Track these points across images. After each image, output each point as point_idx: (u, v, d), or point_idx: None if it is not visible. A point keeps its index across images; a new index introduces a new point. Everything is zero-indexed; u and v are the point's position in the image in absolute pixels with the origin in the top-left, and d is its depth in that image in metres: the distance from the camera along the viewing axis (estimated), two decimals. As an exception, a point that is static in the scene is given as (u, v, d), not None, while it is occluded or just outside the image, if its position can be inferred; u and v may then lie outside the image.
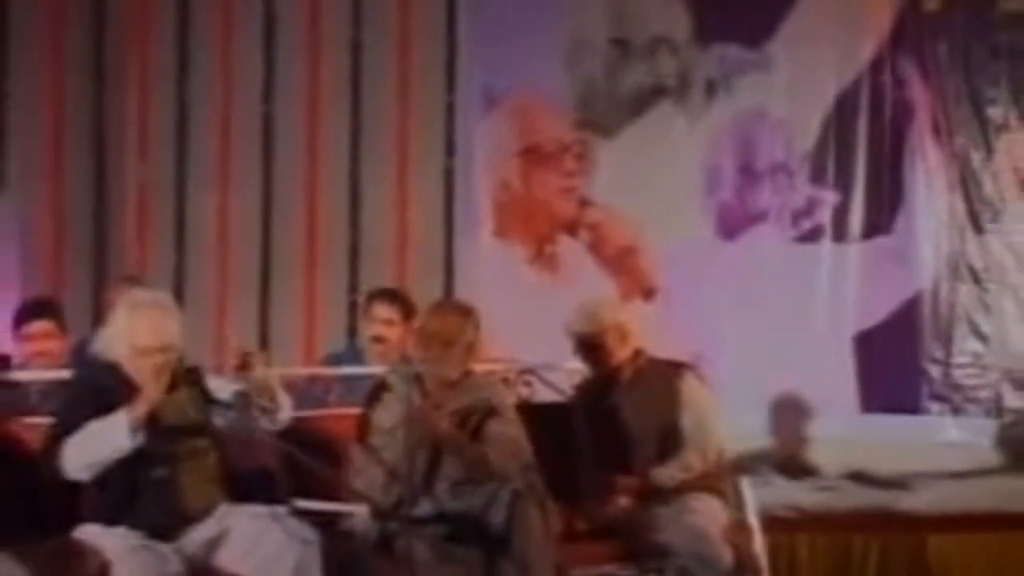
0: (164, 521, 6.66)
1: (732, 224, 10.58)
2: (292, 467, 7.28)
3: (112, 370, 6.75)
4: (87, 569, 6.48)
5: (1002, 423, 9.99)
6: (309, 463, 7.38)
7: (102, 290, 9.79)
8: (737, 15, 10.44)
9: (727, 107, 10.56)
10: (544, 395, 8.52)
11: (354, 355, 9.01)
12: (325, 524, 6.95)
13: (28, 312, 8.70)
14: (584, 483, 7.61)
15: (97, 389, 6.75)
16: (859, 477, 9.42)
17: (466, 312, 7.56)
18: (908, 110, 10.26)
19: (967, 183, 10.18)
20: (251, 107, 11.07)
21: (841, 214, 10.33)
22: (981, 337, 10.17)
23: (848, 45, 10.33)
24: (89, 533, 6.64)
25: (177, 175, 11.12)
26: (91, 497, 6.69)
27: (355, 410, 7.63)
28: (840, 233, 10.33)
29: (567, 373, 8.31)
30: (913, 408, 10.16)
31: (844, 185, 10.31)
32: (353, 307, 10.47)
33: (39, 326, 8.54)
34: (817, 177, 10.38)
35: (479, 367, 7.57)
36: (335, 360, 8.95)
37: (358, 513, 7.07)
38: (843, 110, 10.31)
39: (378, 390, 7.42)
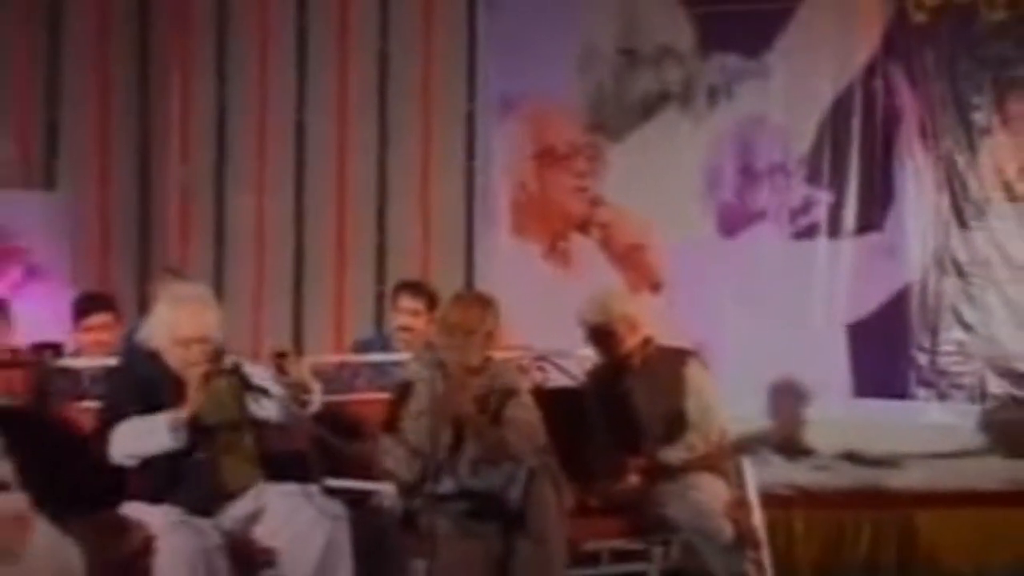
0: (203, 499, 6.68)
1: (733, 222, 10.58)
2: (323, 448, 7.30)
3: (154, 359, 6.76)
4: (133, 542, 6.49)
5: (985, 408, 9.98)
6: (339, 444, 7.40)
7: (146, 284, 9.78)
8: (738, 27, 10.44)
9: (728, 112, 10.56)
10: (558, 380, 8.50)
11: (381, 342, 9.01)
12: (354, 501, 6.95)
13: (89, 306, 8.72)
14: (595, 463, 7.60)
15: (140, 377, 6.77)
16: (852, 457, 9.41)
17: (485, 303, 7.57)
18: (898, 115, 10.24)
19: (953, 183, 10.17)
20: (285, 114, 11.08)
21: (835, 212, 10.32)
22: (965, 327, 10.16)
23: (841, 54, 10.33)
24: (135, 509, 6.66)
25: (216, 177, 11.13)
26: (136, 477, 6.70)
27: (382, 395, 7.63)
28: (834, 230, 10.33)
29: (579, 360, 8.29)
30: (902, 393, 10.16)
31: (838, 185, 10.30)
32: (380, 299, 10.47)
33: (100, 318, 8.56)
34: (813, 178, 10.37)
35: (498, 354, 7.56)
36: (363, 347, 8.95)
37: (385, 491, 7.08)
38: (837, 115, 10.31)
39: (409, 385, 7.41)
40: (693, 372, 7.85)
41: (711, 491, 7.56)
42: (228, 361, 6.82)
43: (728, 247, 10.55)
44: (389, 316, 9.06)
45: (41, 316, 9.30)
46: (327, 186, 11.07)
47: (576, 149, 10.82)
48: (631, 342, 7.85)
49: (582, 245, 10.77)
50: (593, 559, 7.53)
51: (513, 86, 10.90)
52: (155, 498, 6.63)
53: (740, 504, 7.67)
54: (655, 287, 10.39)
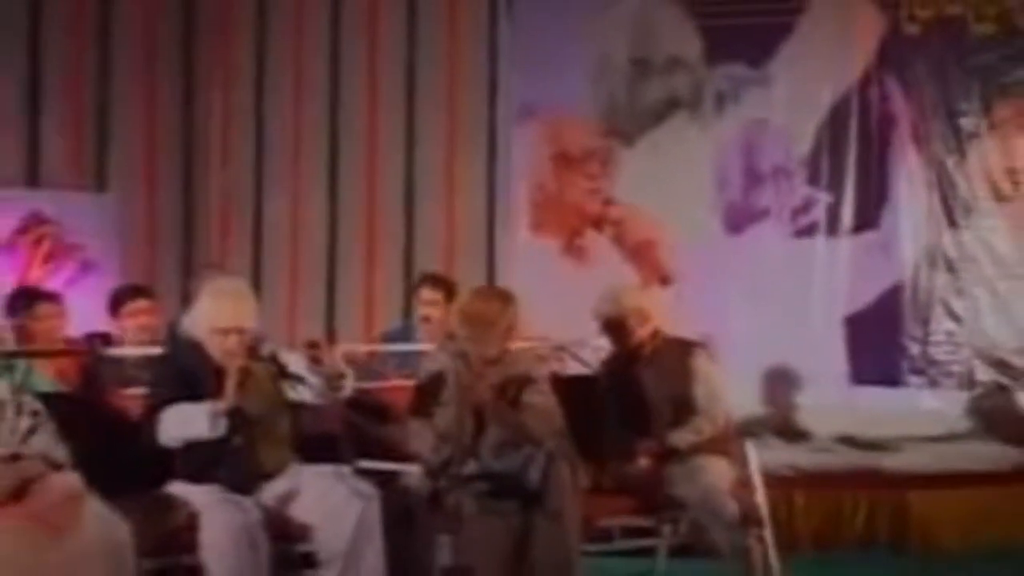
0: (242, 479, 6.66)
1: (738, 220, 10.58)
2: (355, 432, 7.29)
3: (196, 348, 6.76)
4: (178, 519, 6.49)
5: (973, 394, 10.00)
6: (370, 428, 7.40)
7: (189, 278, 9.78)
8: (742, 38, 10.45)
9: (734, 118, 10.56)
10: (574, 369, 8.50)
11: (407, 332, 9.01)
12: (384, 481, 6.94)
13: (129, 292, 8.72)
14: (608, 445, 7.58)
15: (183, 365, 6.76)
16: (848, 440, 9.39)
17: (505, 297, 7.56)
18: (892, 120, 10.26)
19: (943, 184, 10.19)
20: (318, 121, 11.09)
21: (834, 211, 10.34)
22: (955, 319, 10.17)
23: (839, 64, 10.34)
24: (179, 488, 6.65)
25: (254, 180, 11.15)
26: (180, 458, 6.70)
27: (409, 382, 7.62)
28: (833, 228, 10.34)
29: (594, 350, 8.29)
30: (896, 381, 10.17)
31: (836, 186, 10.31)
32: (407, 292, 10.45)
33: (141, 303, 8.56)
34: (813, 179, 10.39)
35: (517, 345, 7.55)
36: (390, 337, 8.93)
37: (413, 472, 7.07)
38: (835, 120, 10.32)
39: (438, 374, 7.39)
40: (700, 361, 7.83)
41: (717, 472, 7.53)
42: (266, 350, 6.84)
43: (733, 244, 10.56)
44: (413, 307, 9.05)
45: (93, 308, 9.29)
46: (358, 188, 11.07)
47: (591, 153, 10.82)
48: (642, 333, 7.84)
49: (596, 242, 10.76)
50: (606, 535, 7.54)
51: (532, 94, 10.89)
52: (198, 477, 6.63)
53: (744, 484, 7.65)
54: (664, 281, 10.38)
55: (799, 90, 10.37)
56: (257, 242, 11.12)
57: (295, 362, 6.80)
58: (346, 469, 6.95)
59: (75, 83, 10.56)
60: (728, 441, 7.80)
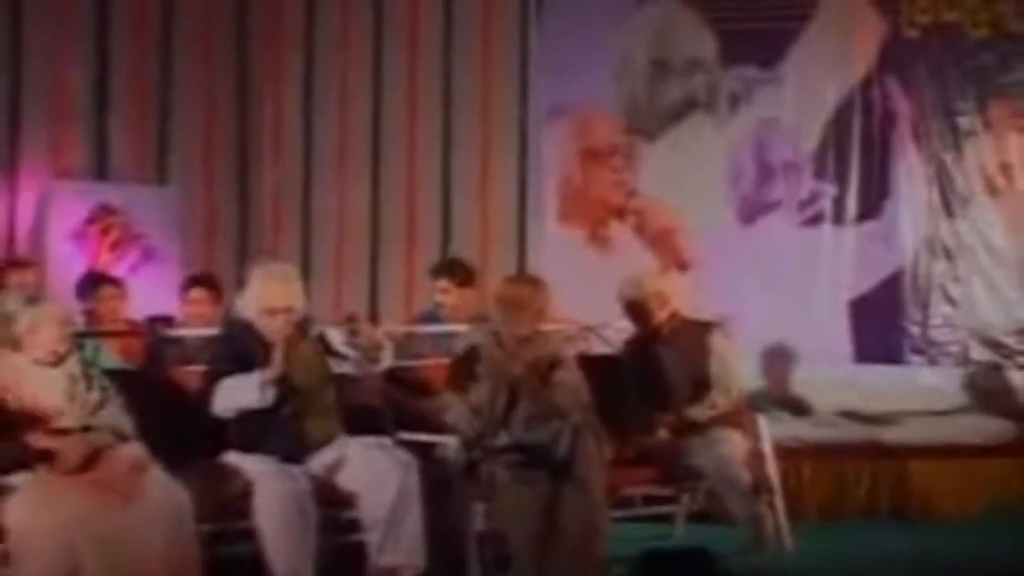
0: (290, 449, 6.67)
1: (750, 211, 10.57)
2: (396, 406, 7.29)
3: (248, 328, 6.77)
4: (234, 487, 6.50)
5: (968, 372, 9.98)
6: (409, 402, 7.39)
7: (244, 265, 9.76)
8: (755, 42, 10.43)
9: (747, 116, 10.55)
10: (599, 348, 8.48)
11: (436, 314, 8.98)
12: (422, 452, 6.94)
13: (189, 282, 8.75)
14: (631, 419, 7.57)
15: (237, 344, 6.77)
16: (852, 415, 9.35)
17: (535, 283, 7.56)
18: (893, 119, 10.24)
19: (941, 178, 10.18)
20: (362, 122, 11.08)
21: (839, 203, 10.32)
22: (952, 303, 10.15)
23: (844, 66, 10.32)
24: (234, 458, 6.66)
25: (303, 175, 11.15)
26: (235, 430, 6.70)
27: (445, 359, 7.62)
28: (838, 219, 10.33)
29: (617, 331, 8.27)
30: (896, 359, 10.16)
31: (841, 180, 10.30)
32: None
33: (195, 293, 8.57)
34: (819, 173, 10.37)
35: (547, 326, 7.53)
36: (425, 317, 8.89)
37: (449, 443, 7.06)
38: (840, 118, 10.30)
39: (471, 352, 7.38)
40: (715, 341, 7.83)
41: (731, 444, 7.53)
42: (313, 330, 6.85)
43: (746, 233, 10.54)
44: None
45: (155, 293, 9.31)
46: (398, 183, 11.07)
47: (614, 148, 10.81)
48: (662, 315, 7.84)
49: (620, 231, 10.75)
50: (629, 503, 7.53)
51: (560, 95, 10.88)
52: (251, 448, 6.64)
53: (756, 455, 7.65)
54: (683, 267, 10.35)
55: (807, 90, 10.35)
56: (306, 232, 11.12)
57: (339, 339, 6.81)
58: (388, 441, 6.97)
59: (140, 86, 10.57)
60: (741, 415, 7.81)
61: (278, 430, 6.67)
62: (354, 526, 6.66)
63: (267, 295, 6.75)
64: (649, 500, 7.65)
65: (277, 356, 6.55)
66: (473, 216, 11.00)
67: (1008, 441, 9.25)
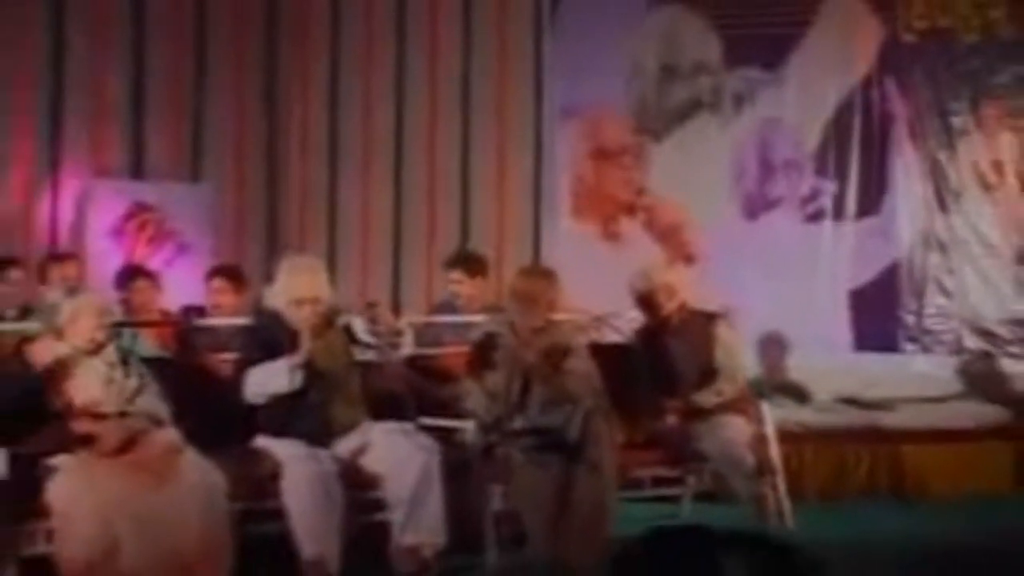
0: (318, 434, 6.68)
1: (754, 207, 10.55)
2: (417, 392, 7.29)
3: (277, 318, 6.77)
4: (264, 469, 6.51)
5: (961, 360, 9.96)
6: (430, 389, 7.39)
7: (273, 259, 9.77)
8: (758, 46, 10.41)
9: (750, 117, 10.52)
10: (610, 337, 8.47)
11: (452, 304, 8.97)
12: (443, 436, 6.95)
13: (211, 272, 8.74)
14: (640, 405, 7.56)
15: (266, 333, 6.78)
16: (851, 401, 9.34)
17: (548, 275, 7.58)
18: (890, 119, 10.23)
19: (936, 175, 10.16)
20: (385, 122, 11.08)
21: (839, 199, 10.30)
22: (946, 294, 10.14)
23: (844, 68, 10.30)
24: (264, 442, 6.67)
25: (329, 174, 11.14)
26: (264, 415, 6.71)
27: (463, 348, 7.62)
28: (838, 214, 10.31)
29: (627, 321, 8.25)
30: (893, 348, 10.15)
31: (841, 177, 10.28)
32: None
33: (217, 283, 8.56)
34: (820, 170, 10.35)
35: (560, 316, 7.53)
36: (441, 307, 8.87)
37: (468, 427, 7.06)
38: (840, 118, 10.28)
39: (488, 340, 7.38)
40: (721, 331, 7.81)
41: (736, 428, 7.52)
42: (339, 320, 6.85)
43: (750, 228, 10.52)
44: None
45: (189, 285, 9.32)
46: (420, 180, 11.06)
47: (624, 148, 10.79)
48: (670, 306, 7.82)
49: (630, 227, 10.73)
50: (638, 484, 7.51)
51: (572, 97, 10.86)
52: (280, 432, 6.65)
53: (760, 439, 7.63)
54: (690, 260, 10.33)
55: (808, 91, 10.33)
56: (331, 227, 11.11)
57: (361, 328, 6.81)
58: (410, 426, 6.97)
59: (175, 90, 10.59)
60: (746, 401, 7.79)
61: (305, 415, 6.68)
62: (378, 506, 6.67)
63: (295, 287, 6.76)
64: (657, 481, 7.64)
65: (304, 343, 6.57)
66: (490, 212, 11.00)
67: (999, 425, 9.24)
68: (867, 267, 10.24)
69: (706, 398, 7.61)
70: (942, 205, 10.14)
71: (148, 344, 7.97)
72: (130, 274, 8.74)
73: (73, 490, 5.94)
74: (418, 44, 11.02)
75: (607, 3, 10.72)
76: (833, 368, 9.67)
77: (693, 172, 10.54)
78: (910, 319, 10.14)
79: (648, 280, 7.89)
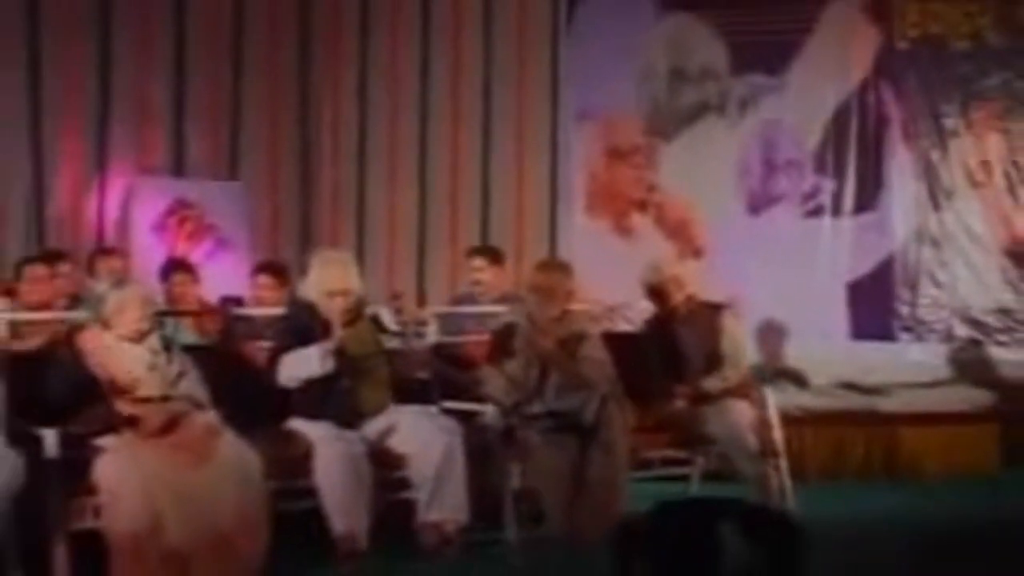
0: (348, 417, 6.68)
1: (757, 203, 10.53)
2: (441, 378, 7.28)
3: (310, 309, 6.77)
4: (298, 449, 6.50)
5: (952, 347, 9.95)
6: (453, 375, 7.38)
7: (306, 253, 9.76)
8: (762, 52, 10.39)
9: (754, 118, 10.51)
10: (622, 327, 8.46)
11: (471, 295, 8.95)
12: (465, 419, 6.94)
13: (257, 269, 8.74)
14: (651, 390, 7.54)
15: (300, 322, 6.78)
16: (849, 386, 9.33)
17: (564, 268, 7.60)
18: (886, 121, 10.23)
19: (928, 174, 10.18)
20: (411, 125, 11.06)
21: (837, 196, 10.30)
22: (938, 285, 10.13)
23: (842, 74, 10.30)
24: (297, 424, 6.67)
25: (359, 173, 11.12)
26: (297, 399, 6.71)
27: (483, 336, 7.61)
28: (836, 210, 10.31)
29: (639, 311, 8.23)
30: (888, 336, 10.14)
31: (839, 175, 10.28)
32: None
33: (263, 279, 8.55)
34: (820, 169, 10.34)
35: (575, 307, 7.51)
36: (462, 298, 8.84)
37: (489, 411, 7.04)
38: (839, 120, 10.28)
39: (507, 329, 7.37)
40: (727, 321, 7.79)
41: (740, 412, 7.50)
42: (368, 310, 6.85)
43: (754, 223, 10.51)
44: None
45: (227, 277, 9.33)
46: (443, 179, 11.05)
47: (636, 148, 10.78)
48: (679, 297, 7.79)
49: (641, 222, 10.72)
50: (648, 464, 7.49)
51: (587, 101, 10.85)
52: (312, 415, 6.65)
53: (763, 422, 7.61)
54: (697, 254, 10.31)
55: (808, 95, 10.31)
56: (361, 223, 11.10)
57: (389, 318, 6.82)
58: (434, 409, 6.98)
59: (214, 94, 10.58)
60: (749, 387, 7.77)
61: (336, 399, 6.68)
62: (404, 484, 6.67)
63: (327, 279, 6.76)
64: (667, 462, 7.61)
65: (335, 331, 6.57)
66: (509, 209, 10.99)
67: (987, 409, 9.26)
68: (864, 260, 10.23)
69: (712, 384, 7.59)
70: (934, 202, 10.13)
71: (188, 333, 7.98)
72: (171, 267, 8.75)
73: (119, 468, 5.94)
74: (441, 53, 11.01)
75: (620, 13, 10.70)
76: (832, 355, 9.66)
77: (700, 171, 10.53)
78: (904, 309, 10.13)
79: (658, 273, 7.87)
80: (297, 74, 10.99)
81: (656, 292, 7.85)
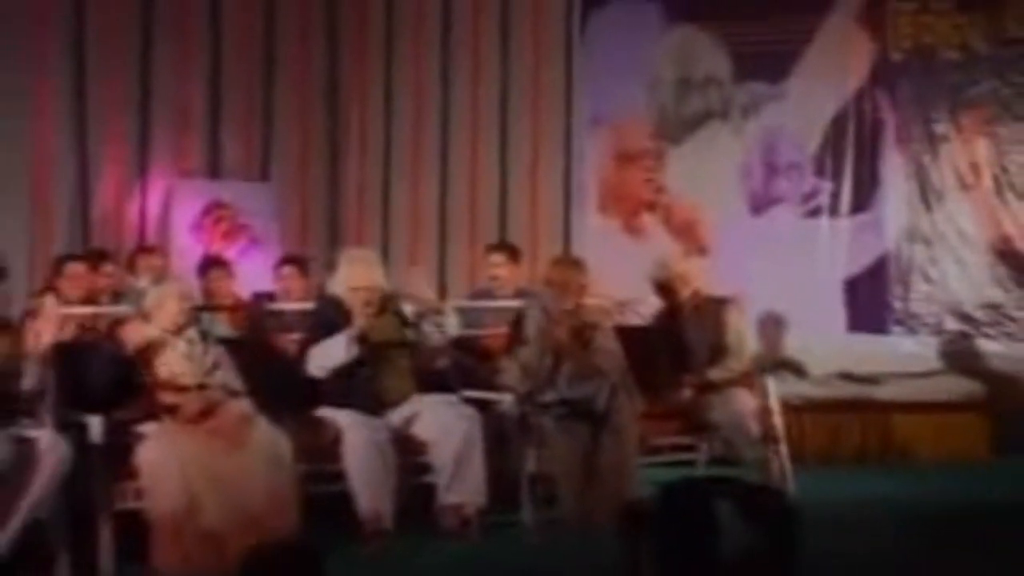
0: (373, 405, 6.69)
1: (760, 204, 10.47)
2: (461, 368, 7.29)
3: (337, 303, 6.79)
4: (327, 435, 6.53)
5: (943, 340, 9.90)
6: (472, 365, 7.39)
7: (334, 250, 9.78)
8: (763, 62, 10.33)
9: (756, 124, 10.43)
10: (632, 320, 8.45)
11: (489, 290, 8.94)
12: (484, 407, 6.95)
13: (280, 261, 8.75)
14: (659, 380, 7.55)
15: (328, 316, 6.80)
16: (846, 376, 9.33)
17: (578, 263, 7.61)
18: (880, 126, 10.16)
19: (920, 176, 10.11)
20: (433, 128, 11.05)
21: (835, 198, 10.22)
22: (929, 282, 10.08)
23: (839, 82, 10.22)
24: (326, 412, 6.68)
25: (384, 173, 11.12)
26: (326, 388, 6.72)
27: (500, 329, 7.62)
28: (834, 211, 10.22)
29: (648, 305, 8.23)
30: (883, 329, 10.07)
31: (837, 177, 10.20)
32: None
33: (286, 270, 8.58)
34: (818, 171, 10.28)
35: (588, 300, 7.51)
36: (479, 293, 8.84)
37: (505, 399, 7.05)
38: (837, 126, 10.20)
39: (521, 321, 7.38)
40: (731, 314, 7.79)
41: (744, 401, 7.50)
42: (392, 304, 6.86)
43: (756, 223, 10.44)
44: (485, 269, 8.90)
45: (259, 273, 9.34)
46: (463, 180, 11.03)
47: (645, 152, 10.74)
48: (685, 292, 7.81)
49: (650, 222, 10.68)
50: (657, 450, 7.49)
51: (599, 107, 10.81)
52: (339, 403, 6.66)
53: (764, 410, 7.62)
54: (703, 252, 10.24)
55: (808, 102, 10.25)
56: (385, 221, 11.10)
57: (411, 313, 6.83)
58: (454, 398, 6.98)
59: (247, 101, 10.60)
60: (752, 376, 7.78)
61: (362, 388, 6.70)
62: (426, 469, 6.69)
63: (353, 275, 6.79)
64: (674, 448, 7.62)
65: (359, 320, 6.59)
66: (525, 209, 10.97)
67: (975, 398, 9.24)
68: (859, 258, 10.18)
69: (717, 374, 7.59)
70: (926, 203, 10.09)
71: (223, 326, 7.99)
72: (207, 264, 8.77)
73: (159, 453, 5.97)
74: (461, 62, 10.99)
75: (629, 25, 10.67)
76: (829, 347, 9.64)
77: (706, 173, 10.48)
78: (897, 304, 10.09)
79: (666, 269, 7.89)
80: (325, 83, 10.99)
81: (664, 287, 7.86)
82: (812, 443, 8.77)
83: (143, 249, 9.13)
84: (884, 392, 9.14)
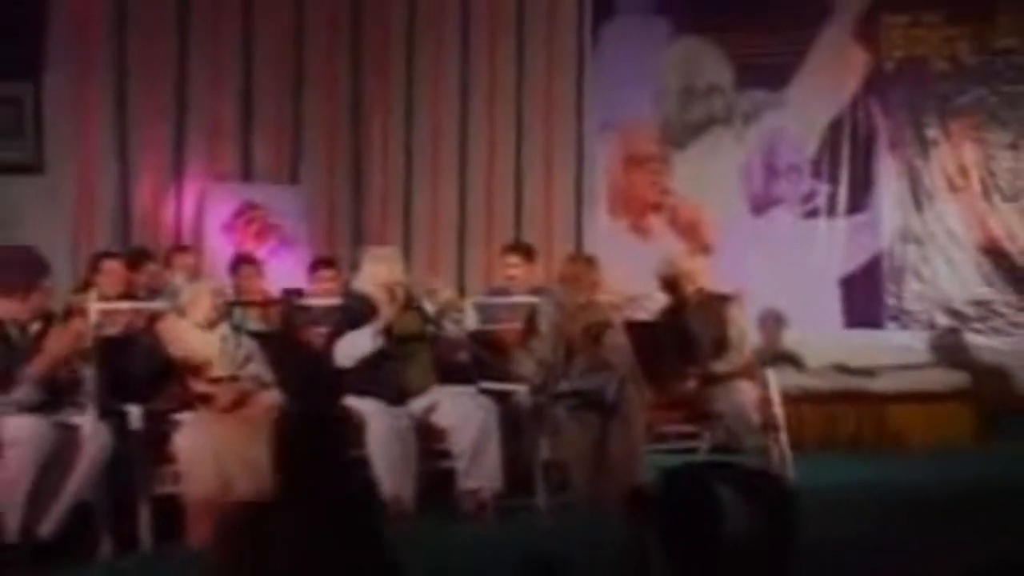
0: (395, 395, 6.70)
1: (760, 205, 10.50)
2: (479, 361, 7.29)
3: (363, 299, 6.80)
4: (352, 422, 6.52)
5: (934, 335, 9.91)
6: (489, 358, 7.39)
7: (358, 249, 9.78)
8: (764, 71, 10.36)
9: (757, 130, 10.47)
10: (640, 316, 8.43)
11: (505, 287, 8.92)
12: (500, 398, 6.95)
13: (320, 263, 8.73)
14: (665, 372, 7.54)
15: (354, 311, 6.81)
16: (842, 368, 9.30)
17: (590, 261, 7.63)
18: (874, 132, 10.19)
19: (912, 179, 10.14)
20: (452, 134, 11.04)
21: (832, 199, 10.25)
22: (921, 279, 10.11)
23: (835, 90, 10.26)
24: (351, 401, 6.69)
25: (405, 177, 11.11)
26: (351, 379, 6.73)
27: (516, 324, 7.62)
28: (831, 212, 10.26)
29: (654, 301, 8.22)
30: (877, 324, 10.10)
31: (834, 180, 10.24)
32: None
33: (323, 272, 8.56)
34: (816, 174, 10.31)
35: (599, 296, 7.50)
36: (495, 291, 8.83)
37: (520, 390, 7.05)
38: (833, 131, 10.25)
39: (535, 317, 7.39)
40: (733, 310, 7.79)
41: (745, 392, 7.49)
42: (413, 301, 6.88)
43: (757, 223, 10.47)
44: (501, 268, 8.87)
45: (289, 271, 9.35)
46: (481, 182, 11.02)
47: (652, 156, 10.75)
48: (690, 289, 7.80)
49: (656, 222, 10.69)
50: (663, 438, 7.49)
51: (609, 114, 10.82)
52: (363, 393, 6.67)
53: (765, 401, 7.60)
54: (706, 251, 10.24)
55: (806, 109, 10.27)
56: (407, 222, 11.09)
57: (431, 308, 6.85)
58: (472, 389, 6.98)
59: (277, 108, 10.60)
60: (753, 369, 7.76)
61: (386, 380, 6.71)
62: (445, 456, 6.70)
63: (377, 273, 6.81)
64: (679, 436, 7.61)
65: (383, 313, 6.60)
66: (539, 210, 10.96)
67: (964, 389, 9.20)
68: (855, 257, 10.20)
69: (720, 366, 7.58)
70: (917, 205, 10.10)
71: (254, 321, 8.00)
72: (239, 263, 8.78)
73: (194, 440, 5.99)
74: (479, 72, 10.98)
75: (638, 37, 10.68)
76: (826, 341, 9.64)
77: (709, 176, 10.50)
78: (891, 300, 10.10)
79: (671, 267, 7.88)
80: (351, 92, 10.99)
81: (670, 284, 7.85)
82: (810, 431, 8.74)
83: (178, 248, 9.14)
84: (878, 384, 9.11)
